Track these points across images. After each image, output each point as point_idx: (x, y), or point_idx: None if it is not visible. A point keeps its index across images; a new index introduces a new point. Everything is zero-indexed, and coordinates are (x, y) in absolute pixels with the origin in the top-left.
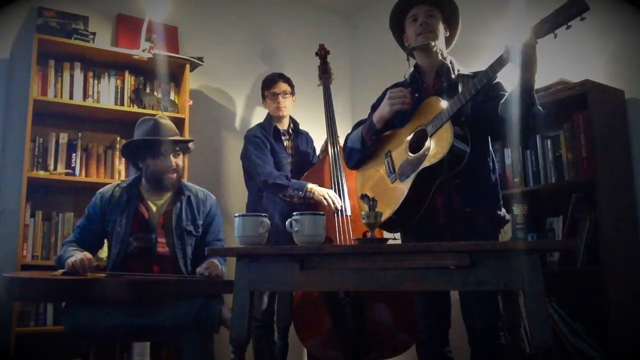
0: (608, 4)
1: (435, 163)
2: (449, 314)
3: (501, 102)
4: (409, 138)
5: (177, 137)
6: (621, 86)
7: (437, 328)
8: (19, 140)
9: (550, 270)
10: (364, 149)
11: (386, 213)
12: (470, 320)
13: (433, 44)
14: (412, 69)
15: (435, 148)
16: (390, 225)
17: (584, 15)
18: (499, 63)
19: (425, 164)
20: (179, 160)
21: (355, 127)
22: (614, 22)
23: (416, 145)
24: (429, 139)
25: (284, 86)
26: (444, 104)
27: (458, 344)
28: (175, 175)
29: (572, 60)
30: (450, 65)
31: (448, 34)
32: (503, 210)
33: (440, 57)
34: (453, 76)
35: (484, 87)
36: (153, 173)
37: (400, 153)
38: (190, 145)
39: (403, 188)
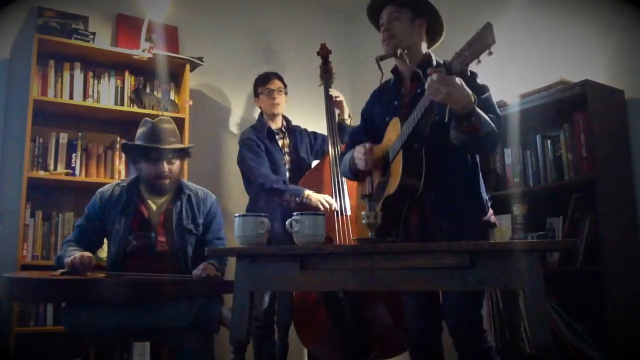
0: (608, 4)
1: (393, 194)
2: (440, 318)
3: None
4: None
5: (173, 146)
6: (621, 86)
7: (429, 331)
8: (19, 140)
9: (550, 270)
10: (355, 177)
11: None
12: (449, 322)
13: (399, 51)
14: (393, 75)
15: (392, 177)
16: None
17: (492, 50)
18: (428, 106)
19: (386, 193)
20: (173, 167)
21: (350, 137)
22: (614, 22)
23: (386, 165)
24: (390, 166)
25: (278, 83)
26: (399, 128)
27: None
28: (168, 181)
29: (572, 60)
30: (426, 69)
31: (424, 29)
32: (489, 214)
33: (415, 61)
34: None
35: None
36: (146, 177)
37: (376, 174)
38: (190, 149)
39: (377, 210)
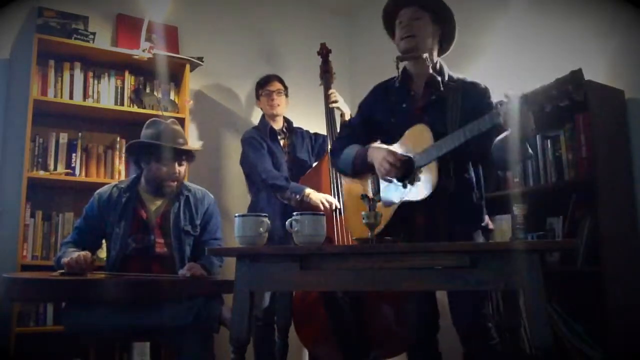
0: (608, 4)
1: (418, 200)
2: (437, 318)
3: (494, 145)
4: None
5: (191, 147)
6: (621, 86)
7: (426, 332)
8: (19, 140)
9: (550, 270)
10: (354, 174)
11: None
12: (458, 320)
13: (424, 56)
14: (401, 76)
15: (420, 185)
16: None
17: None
18: (491, 119)
19: (408, 198)
20: (182, 168)
21: (347, 128)
22: (614, 22)
23: (407, 171)
24: (415, 172)
25: (278, 85)
26: (431, 137)
27: (451, 345)
28: (176, 183)
29: (572, 60)
30: (440, 76)
31: (439, 36)
32: (486, 219)
33: (429, 66)
34: (442, 88)
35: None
36: (155, 178)
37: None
38: (195, 152)
39: (386, 213)
